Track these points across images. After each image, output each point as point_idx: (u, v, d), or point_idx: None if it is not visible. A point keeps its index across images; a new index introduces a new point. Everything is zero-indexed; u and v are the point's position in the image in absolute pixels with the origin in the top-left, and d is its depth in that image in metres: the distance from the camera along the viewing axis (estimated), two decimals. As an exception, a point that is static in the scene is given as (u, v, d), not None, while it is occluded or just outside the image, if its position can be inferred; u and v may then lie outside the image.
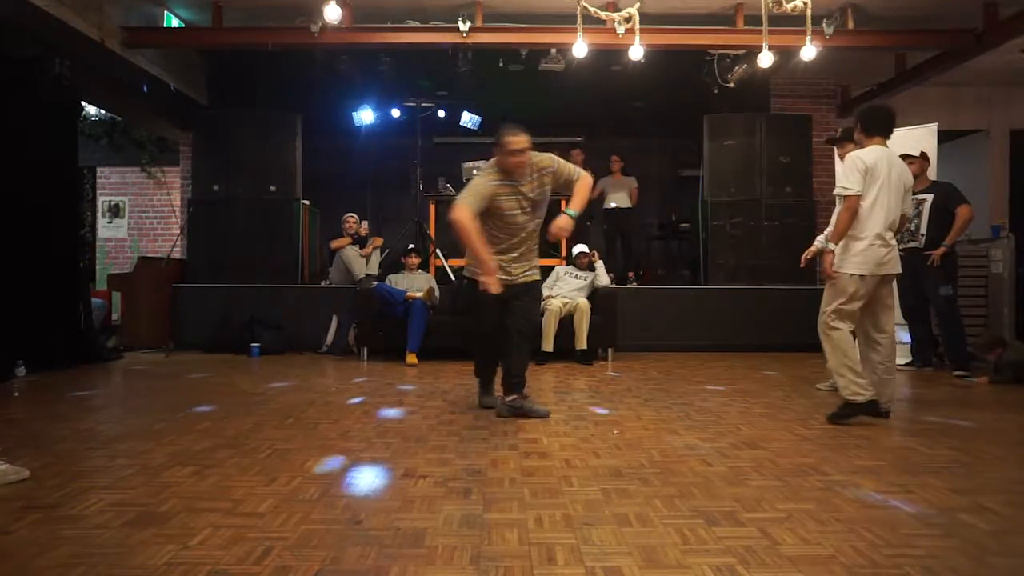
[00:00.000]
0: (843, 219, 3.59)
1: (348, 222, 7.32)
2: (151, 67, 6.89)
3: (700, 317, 7.12)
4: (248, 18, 6.77)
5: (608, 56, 6.98)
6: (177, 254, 7.78)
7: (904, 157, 5.66)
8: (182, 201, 8.56)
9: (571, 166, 3.76)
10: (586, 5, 5.75)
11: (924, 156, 5.62)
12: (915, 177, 5.60)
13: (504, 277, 3.65)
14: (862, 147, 3.76)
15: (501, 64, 7.36)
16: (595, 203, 8.63)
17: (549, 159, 3.70)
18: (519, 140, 3.56)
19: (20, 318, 5.11)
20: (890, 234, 3.64)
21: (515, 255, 3.74)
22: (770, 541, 1.98)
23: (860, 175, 3.57)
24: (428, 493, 2.40)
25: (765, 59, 6.03)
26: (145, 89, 6.89)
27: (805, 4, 5.46)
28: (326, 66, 7.31)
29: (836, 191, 3.64)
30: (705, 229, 7.55)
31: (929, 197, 5.52)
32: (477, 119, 8.45)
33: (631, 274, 8.05)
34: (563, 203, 3.83)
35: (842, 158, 4.59)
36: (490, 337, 3.79)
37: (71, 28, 5.63)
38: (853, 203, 3.56)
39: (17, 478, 2.50)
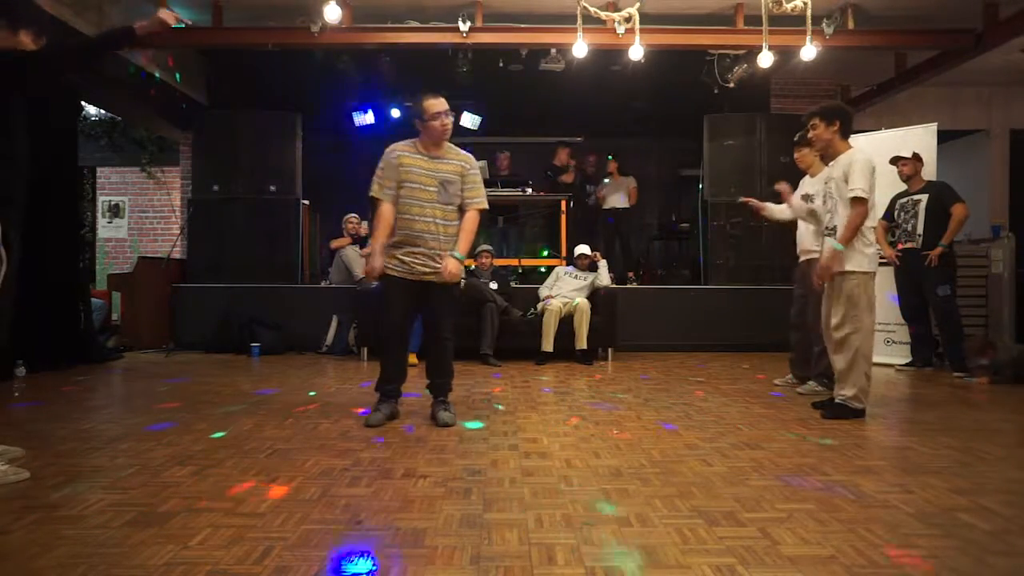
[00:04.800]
0: (858, 221, 3.63)
1: (350, 222, 7.32)
2: (151, 67, 6.89)
3: (700, 317, 7.12)
4: (248, 18, 6.77)
5: (608, 56, 6.97)
6: (177, 254, 7.78)
7: (897, 159, 5.70)
8: (182, 201, 8.56)
9: (479, 187, 3.59)
10: (586, 5, 5.75)
11: (916, 157, 5.63)
12: (908, 178, 5.66)
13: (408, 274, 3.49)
14: (834, 148, 3.81)
15: (501, 64, 7.36)
16: (596, 205, 8.65)
17: (471, 160, 3.62)
18: (439, 101, 3.46)
19: (20, 318, 5.11)
20: None
21: (420, 249, 3.48)
22: (770, 541, 1.98)
23: (871, 177, 3.65)
24: (428, 493, 2.40)
25: (765, 59, 6.03)
26: (144, 75, 6.86)
27: (805, 4, 5.46)
28: (326, 66, 7.31)
29: (854, 193, 3.62)
30: (705, 229, 7.55)
31: (924, 197, 5.53)
32: (477, 119, 8.45)
33: (631, 274, 8.06)
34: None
35: (799, 162, 4.64)
36: (391, 337, 3.63)
37: (71, 28, 5.63)
38: (867, 205, 3.63)
39: (17, 479, 2.50)
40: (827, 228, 3.86)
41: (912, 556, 1.87)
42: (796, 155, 4.65)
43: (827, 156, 3.93)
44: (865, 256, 3.67)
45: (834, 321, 3.72)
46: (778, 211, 4.59)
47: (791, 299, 4.86)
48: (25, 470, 2.56)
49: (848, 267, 3.66)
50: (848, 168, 3.68)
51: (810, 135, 3.90)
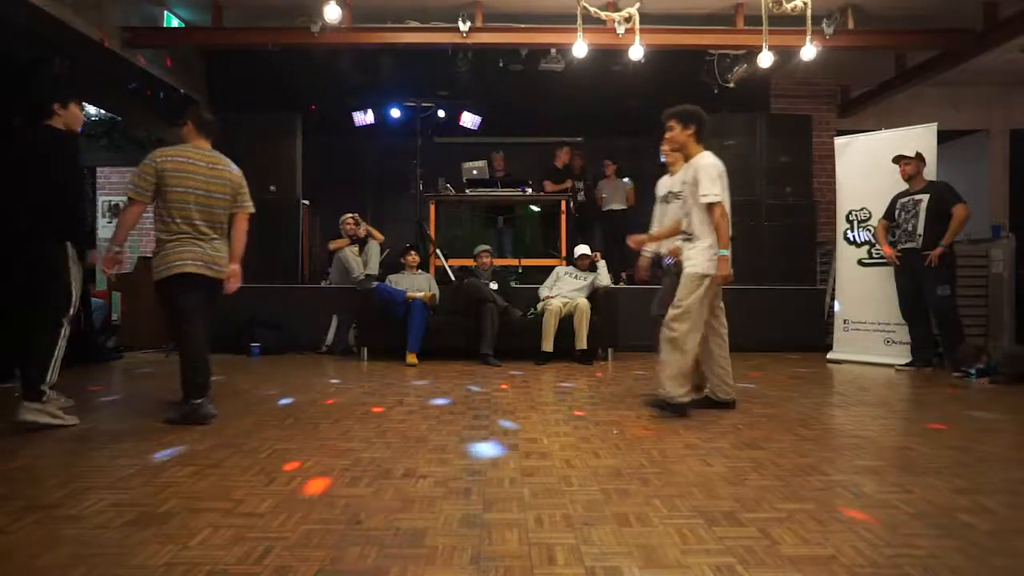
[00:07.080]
0: (724, 223, 3.67)
1: (347, 223, 7.32)
2: (151, 67, 6.89)
3: (700, 317, 7.11)
4: (248, 18, 6.78)
5: (608, 56, 6.98)
6: (177, 254, 7.76)
7: (899, 158, 5.70)
8: (182, 201, 8.54)
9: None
10: (586, 5, 5.76)
11: (919, 156, 5.63)
12: (911, 178, 5.67)
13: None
14: (687, 151, 3.85)
15: (501, 64, 7.36)
16: (595, 206, 8.64)
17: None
18: None
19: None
20: None
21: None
22: (770, 541, 1.98)
23: (719, 180, 3.69)
24: (428, 493, 2.40)
25: (765, 59, 6.04)
26: (136, 86, 6.88)
27: (805, 4, 5.46)
28: (326, 66, 7.31)
29: (707, 199, 3.65)
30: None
31: (925, 197, 5.53)
32: (477, 119, 8.45)
33: (623, 274, 8.05)
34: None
35: (666, 156, 4.48)
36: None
37: (71, 28, 5.63)
38: (723, 209, 3.67)
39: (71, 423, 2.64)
40: (684, 232, 3.90)
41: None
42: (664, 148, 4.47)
43: (684, 157, 3.96)
44: (707, 260, 3.71)
45: (671, 320, 3.76)
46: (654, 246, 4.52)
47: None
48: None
49: (696, 269, 3.72)
50: (696, 173, 3.73)
51: (667, 135, 3.93)
